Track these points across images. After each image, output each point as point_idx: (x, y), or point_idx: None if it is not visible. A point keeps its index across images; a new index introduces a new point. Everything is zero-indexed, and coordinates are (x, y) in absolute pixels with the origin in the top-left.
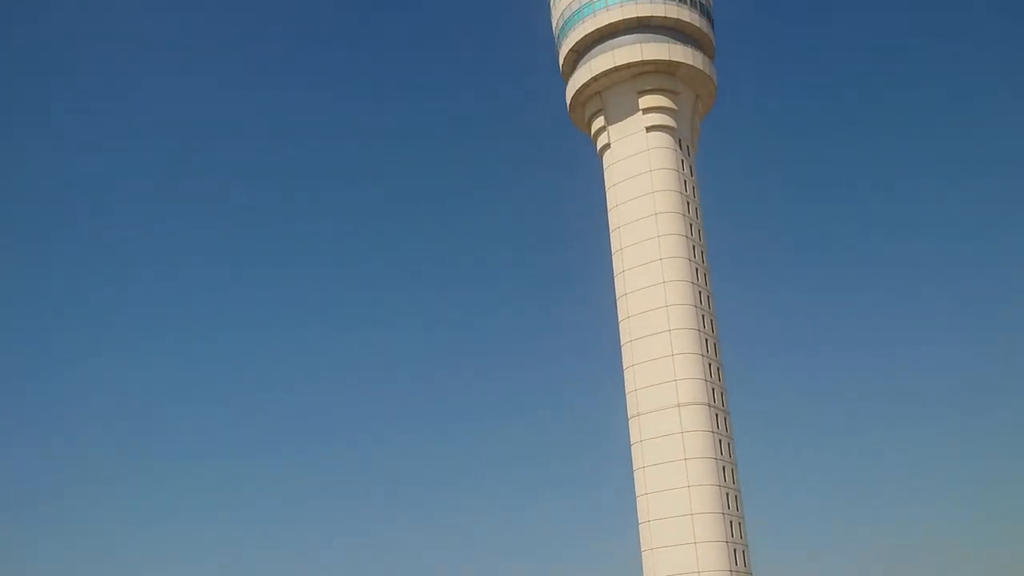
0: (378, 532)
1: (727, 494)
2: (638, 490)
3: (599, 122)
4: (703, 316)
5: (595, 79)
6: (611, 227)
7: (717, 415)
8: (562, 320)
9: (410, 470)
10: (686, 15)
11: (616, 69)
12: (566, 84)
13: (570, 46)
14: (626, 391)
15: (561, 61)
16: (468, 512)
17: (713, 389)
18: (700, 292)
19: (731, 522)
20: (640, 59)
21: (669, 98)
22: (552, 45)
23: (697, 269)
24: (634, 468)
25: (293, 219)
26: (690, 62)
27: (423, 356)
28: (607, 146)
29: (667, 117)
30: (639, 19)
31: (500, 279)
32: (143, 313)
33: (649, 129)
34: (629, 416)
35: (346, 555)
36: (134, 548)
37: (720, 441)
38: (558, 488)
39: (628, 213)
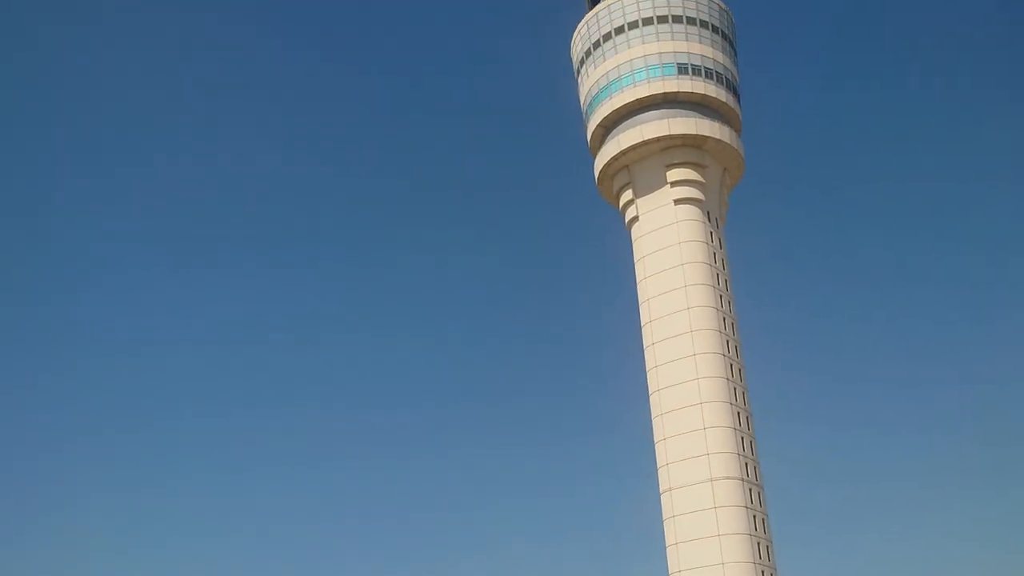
0: None
1: (762, 571)
2: (671, 567)
3: (627, 195)
4: (735, 389)
5: (623, 153)
6: (640, 299)
7: (751, 489)
8: (592, 393)
9: (441, 547)
10: (712, 90)
11: (644, 143)
12: (594, 158)
13: (598, 121)
14: (658, 465)
15: (589, 136)
16: None
17: (746, 463)
18: (731, 364)
19: None
20: (667, 133)
21: (697, 171)
22: (580, 120)
23: (728, 341)
24: (667, 544)
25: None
26: (717, 136)
27: (447, 436)
28: (635, 219)
29: (695, 190)
30: (666, 95)
31: (528, 353)
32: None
33: (677, 202)
34: (661, 491)
35: None
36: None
37: (754, 517)
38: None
39: (657, 285)
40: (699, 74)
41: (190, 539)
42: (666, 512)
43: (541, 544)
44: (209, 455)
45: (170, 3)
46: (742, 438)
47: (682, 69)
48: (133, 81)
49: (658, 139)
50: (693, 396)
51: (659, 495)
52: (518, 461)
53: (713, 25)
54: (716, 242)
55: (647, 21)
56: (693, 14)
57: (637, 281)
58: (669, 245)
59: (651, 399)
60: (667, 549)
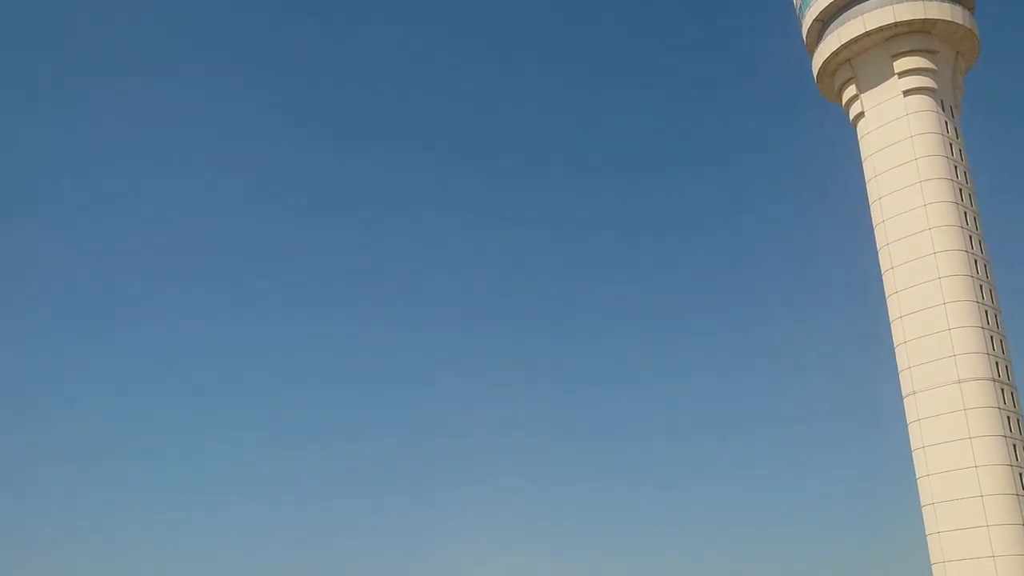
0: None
1: (1020, 474)
2: (918, 471)
3: (850, 91)
4: (980, 287)
5: (844, 47)
6: (870, 199)
7: (1003, 390)
8: (823, 299)
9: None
10: None
11: (867, 34)
12: (811, 56)
13: (814, 16)
14: (899, 368)
15: (805, 32)
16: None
17: (996, 363)
18: (976, 261)
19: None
20: (892, 21)
21: (926, 58)
22: (792, 17)
23: (971, 237)
24: (912, 448)
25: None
26: (947, 18)
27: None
28: (860, 115)
29: (925, 78)
30: None
31: (750, 263)
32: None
33: (907, 93)
34: (904, 395)
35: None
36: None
37: (1008, 417)
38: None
39: (889, 183)
40: None
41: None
42: (910, 415)
43: (780, 450)
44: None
45: None
46: (991, 337)
47: None
48: None
49: (882, 28)
50: (935, 296)
51: (902, 398)
52: (753, 359)
53: None
54: (952, 132)
55: None
56: None
57: (866, 180)
58: (900, 140)
59: (888, 301)
60: (913, 453)
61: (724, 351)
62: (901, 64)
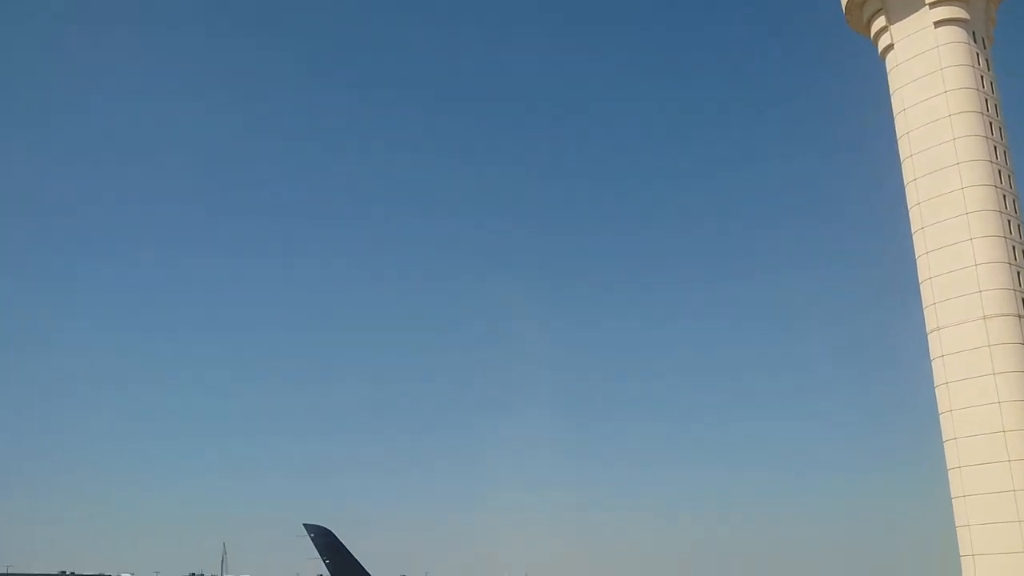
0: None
1: None
2: (941, 407)
3: (880, 22)
4: (1008, 221)
5: None
6: (898, 133)
7: None
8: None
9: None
10: None
11: None
12: None
13: None
14: (923, 304)
15: None
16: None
17: (1022, 299)
18: (1004, 196)
19: None
20: None
21: None
22: None
23: (1000, 171)
24: (936, 383)
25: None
26: None
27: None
28: (890, 47)
29: (957, 9)
30: None
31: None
32: None
33: (937, 24)
34: (928, 331)
35: None
36: None
37: None
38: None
39: (918, 116)
40: None
41: None
42: (934, 351)
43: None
44: None
45: None
46: (1018, 273)
47: None
48: None
49: None
50: (962, 231)
51: (926, 334)
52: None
53: None
54: (983, 64)
55: None
56: None
57: (894, 114)
58: (930, 72)
59: (914, 237)
60: (936, 388)
61: (747, 294)
62: None
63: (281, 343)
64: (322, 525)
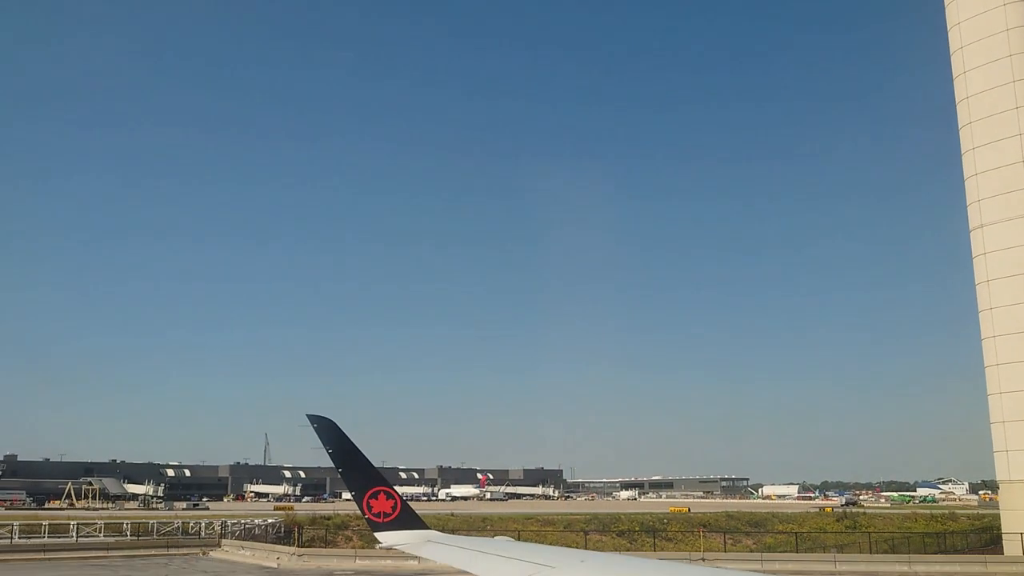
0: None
1: None
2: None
3: None
4: None
5: None
6: (957, 98)
7: None
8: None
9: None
10: None
11: None
12: None
13: None
14: (973, 254)
15: None
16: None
17: None
18: None
19: None
20: None
21: None
22: None
23: None
24: (982, 336)
25: None
26: None
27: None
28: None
29: None
30: None
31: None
32: None
33: None
34: (977, 282)
35: None
36: None
37: None
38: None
39: (978, 82)
40: None
41: None
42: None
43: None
44: None
45: None
46: None
47: None
48: None
49: None
50: (1020, 178)
51: (974, 286)
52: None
53: None
54: None
55: None
56: None
57: (953, 77)
58: (994, 33)
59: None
60: (983, 342)
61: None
62: None
63: None
64: (325, 416)
